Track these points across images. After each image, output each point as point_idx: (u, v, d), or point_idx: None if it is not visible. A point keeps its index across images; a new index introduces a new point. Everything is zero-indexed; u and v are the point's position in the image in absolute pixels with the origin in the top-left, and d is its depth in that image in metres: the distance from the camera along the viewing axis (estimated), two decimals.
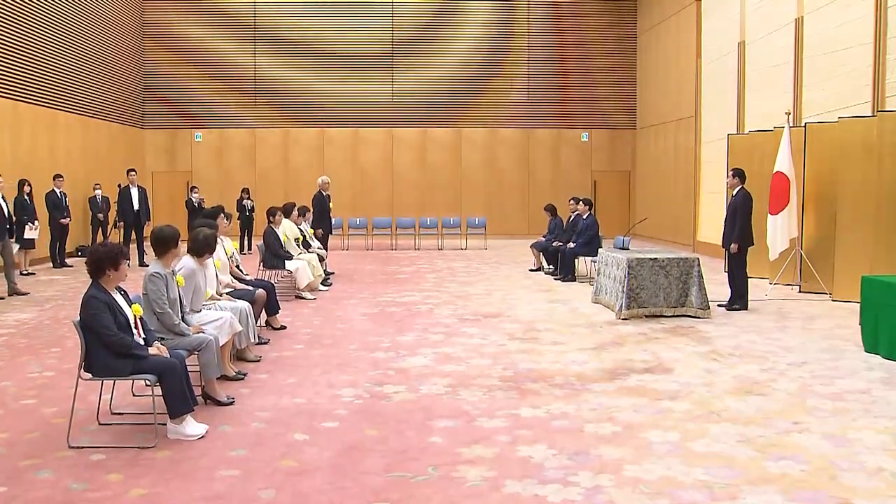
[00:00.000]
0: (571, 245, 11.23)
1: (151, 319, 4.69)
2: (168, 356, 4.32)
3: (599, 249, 9.57)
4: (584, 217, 11.37)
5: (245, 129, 19.38)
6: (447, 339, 7.02)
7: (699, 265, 8.13)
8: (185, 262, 5.42)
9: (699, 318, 7.97)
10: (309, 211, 11.43)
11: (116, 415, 4.70)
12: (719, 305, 8.63)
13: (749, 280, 8.73)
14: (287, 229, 10.03)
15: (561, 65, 19.62)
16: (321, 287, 10.19)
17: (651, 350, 6.52)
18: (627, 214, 19.84)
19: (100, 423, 4.51)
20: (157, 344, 4.40)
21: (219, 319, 5.33)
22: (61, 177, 13.07)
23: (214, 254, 5.88)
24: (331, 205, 12.14)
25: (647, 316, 8.03)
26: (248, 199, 16.06)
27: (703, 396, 5.09)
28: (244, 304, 6.04)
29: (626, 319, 7.93)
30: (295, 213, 10.42)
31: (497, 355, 6.33)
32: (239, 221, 15.55)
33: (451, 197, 19.71)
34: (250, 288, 6.88)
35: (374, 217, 18.21)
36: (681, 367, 5.92)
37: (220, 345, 5.16)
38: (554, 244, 11.87)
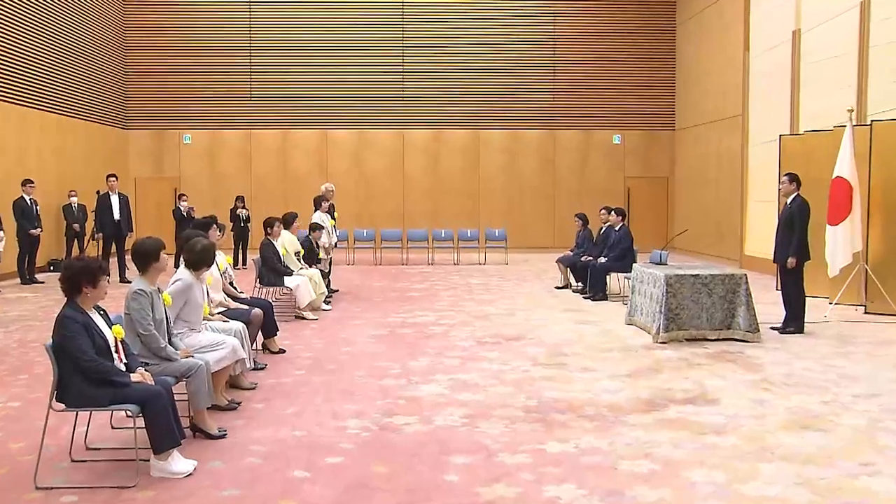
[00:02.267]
0: (602, 260, 11.21)
1: (134, 342, 4.70)
2: (153, 384, 4.34)
3: (633, 265, 9.59)
4: (617, 229, 11.35)
5: (239, 130, 19.57)
6: (464, 364, 7.03)
7: (747, 282, 8.08)
8: (181, 275, 5.46)
9: (747, 342, 7.91)
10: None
11: (92, 450, 4.67)
12: (771, 328, 8.57)
13: (806, 299, 8.65)
14: (286, 242, 10.07)
15: (590, 58, 19.66)
16: (324, 306, 10.23)
17: (693, 378, 6.48)
18: (665, 225, 19.77)
19: (73, 460, 4.48)
20: (140, 370, 4.41)
21: (220, 345, 5.37)
22: (32, 182, 13.16)
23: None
24: (336, 215, 12.18)
25: (688, 339, 7.99)
26: (243, 208, 16.17)
27: (753, 431, 5.03)
28: (239, 326, 6.07)
29: (664, 343, 7.90)
30: (295, 224, 10.48)
31: (520, 383, 6.32)
32: (233, 233, 15.66)
33: (468, 206, 19.76)
34: (245, 307, 6.91)
35: (383, 228, 18.27)
36: (727, 397, 5.87)
37: (215, 371, 5.19)
38: (583, 259, 11.86)
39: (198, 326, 5.47)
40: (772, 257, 8.85)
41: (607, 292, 11.26)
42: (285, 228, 10.15)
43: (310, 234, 10.96)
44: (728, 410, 5.50)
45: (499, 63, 19.60)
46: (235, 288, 7.43)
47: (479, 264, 16.65)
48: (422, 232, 18.11)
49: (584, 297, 11.31)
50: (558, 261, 12.76)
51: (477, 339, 8.23)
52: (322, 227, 11.21)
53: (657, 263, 9.10)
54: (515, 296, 11.64)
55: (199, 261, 5.56)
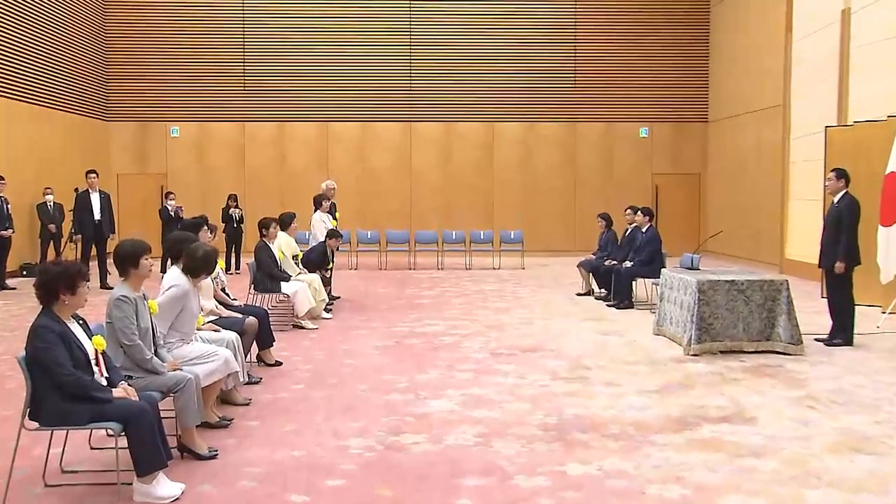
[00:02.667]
0: (628, 264, 11.21)
1: (117, 354, 4.73)
2: (137, 399, 4.36)
3: (662, 269, 9.57)
4: (644, 230, 11.34)
5: (232, 123, 19.64)
6: (477, 378, 7.05)
7: (788, 289, 8.05)
8: (177, 280, 5.50)
9: (789, 354, 7.88)
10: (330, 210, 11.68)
11: (69, 473, 4.67)
12: (815, 339, 8.53)
13: (855, 308, 8.59)
14: (283, 244, 10.09)
15: (614, 44, 19.63)
16: (324, 315, 10.25)
17: (728, 394, 6.47)
18: (697, 226, 19.71)
19: (47, 485, 4.48)
20: (123, 384, 4.43)
21: (212, 356, 5.39)
22: (2, 179, 13.23)
23: None
24: (337, 215, 12.21)
25: (722, 352, 7.97)
26: (237, 207, 16.23)
27: (796, 453, 5.00)
28: (231, 336, 6.09)
29: (696, 356, 7.88)
30: (293, 225, 10.50)
31: (538, 398, 6.34)
32: (225, 235, 15.68)
33: (481, 205, 19.78)
34: (239, 316, 6.92)
35: (388, 230, 18.32)
36: (766, 415, 5.84)
37: (206, 385, 5.22)
38: (606, 263, 11.86)
39: (190, 337, 5.52)
40: (816, 262, 8.80)
41: (633, 300, 11.22)
42: (282, 230, 10.17)
43: (326, 240, 11.01)
44: (768, 430, 5.48)
45: (515, 49, 19.60)
46: (228, 294, 7.44)
47: (494, 269, 16.67)
48: (431, 234, 18.11)
49: (608, 305, 11.31)
50: (579, 265, 12.75)
51: (491, 350, 8.25)
52: (341, 236, 11.29)
53: (688, 268, 9.07)
54: (533, 303, 11.65)
55: (199, 267, 5.61)
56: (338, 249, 11.58)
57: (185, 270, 5.60)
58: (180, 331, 5.44)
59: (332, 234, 11.08)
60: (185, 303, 5.45)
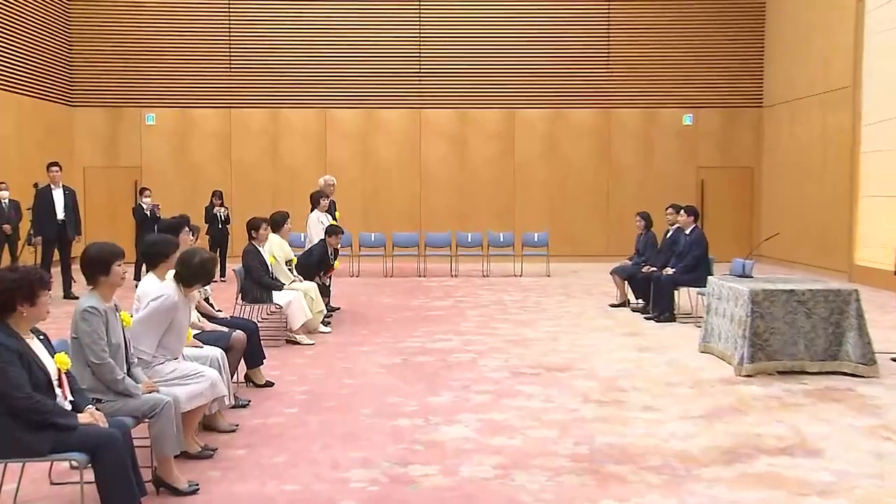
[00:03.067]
0: (669, 271, 11.18)
1: (83, 374, 4.73)
2: (106, 426, 4.34)
3: (709, 277, 9.56)
4: (688, 232, 11.33)
5: (217, 109, 19.74)
6: (496, 401, 7.05)
7: (858, 300, 7.99)
8: (167, 289, 5.51)
9: (860, 376, 7.82)
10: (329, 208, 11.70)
11: None
12: (893, 359, 8.48)
13: None
14: (275, 248, 10.12)
15: (654, 19, 19.62)
16: (322, 328, 10.26)
17: (788, 421, 6.42)
18: (749, 227, 19.66)
19: None
20: (90, 409, 4.43)
21: (196, 377, 5.39)
22: None
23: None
24: (337, 214, 12.22)
25: (780, 372, 7.93)
26: (222, 205, 16.26)
27: (870, 492, 4.97)
28: (216, 353, 6.09)
29: (749, 377, 7.86)
30: (286, 226, 10.51)
31: (566, 425, 6.34)
32: (209, 237, 15.75)
33: (501, 204, 19.80)
34: (224, 329, 6.93)
35: (395, 232, 18.33)
36: (834, 447, 5.80)
37: (187, 410, 5.23)
38: (644, 269, 11.84)
39: (179, 355, 5.55)
40: (893, 268, 8.73)
41: (675, 312, 11.24)
42: (274, 231, 10.21)
43: (326, 238, 11.04)
44: (835, 465, 5.44)
45: (539, 24, 19.61)
46: (212, 305, 7.44)
47: (515, 276, 16.69)
48: (443, 236, 18.13)
49: (647, 318, 11.33)
50: (614, 272, 12.72)
51: (512, 369, 8.26)
52: (342, 232, 11.32)
53: (739, 275, 9.03)
54: (560, 316, 11.67)
55: (194, 277, 5.63)
56: (339, 249, 11.57)
57: (178, 279, 5.61)
58: (168, 348, 5.45)
59: (332, 230, 11.08)
60: (173, 316, 5.44)
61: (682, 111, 19.80)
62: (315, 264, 10.80)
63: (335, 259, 11.29)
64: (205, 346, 6.17)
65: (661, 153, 19.82)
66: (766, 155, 19.56)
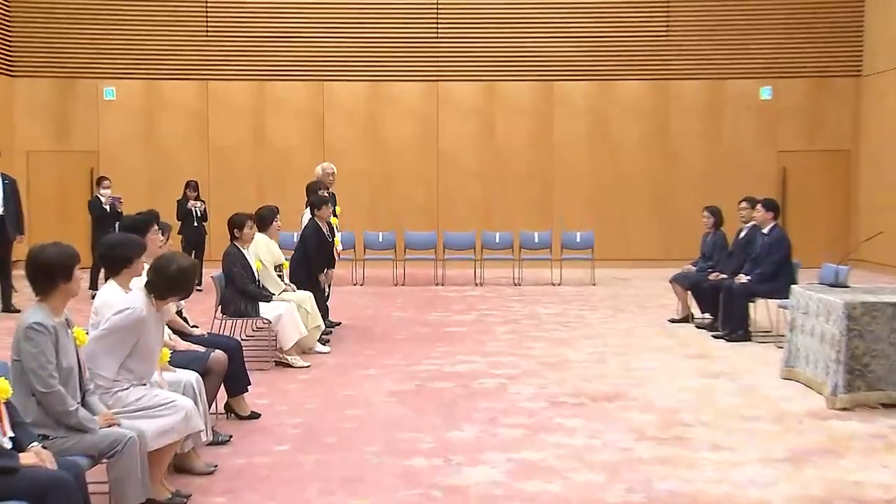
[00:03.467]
0: (743, 278, 11.11)
1: (27, 404, 4.72)
2: (55, 467, 4.32)
3: (793, 286, 9.50)
4: (766, 231, 11.29)
5: (191, 81, 19.74)
6: (531, 437, 7.02)
7: None
8: (134, 301, 5.51)
9: None
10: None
11: None
12: None
13: None
14: (262, 250, 10.12)
15: None
16: (319, 348, 10.26)
17: (895, 466, 6.36)
18: (845, 226, 19.51)
19: None
20: (35, 447, 4.42)
21: (166, 407, 5.37)
22: None
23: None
24: (338, 209, 12.22)
25: (885, 405, 7.86)
26: (198, 199, 16.30)
27: None
28: (190, 377, 6.10)
29: (845, 410, 7.78)
30: (275, 223, 10.51)
31: (616, 467, 6.30)
32: (182, 237, 15.73)
33: (536, 196, 19.77)
34: (200, 349, 6.92)
35: (407, 231, 18.28)
36: None
37: (155, 449, 5.22)
38: (712, 276, 11.78)
39: (148, 379, 5.54)
40: None
41: (750, 329, 11.16)
42: (260, 230, 10.20)
43: (313, 213, 11.00)
44: None
45: None
46: (186, 320, 7.46)
47: (552, 285, 16.67)
48: (466, 236, 18.09)
49: (715, 336, 11.28)
50: (674, 280, 12.69)
51: (550, 398, 8.23)
52: (327, 200, 11.24)
53: (832, 284, 8.99)
54: (608, 333, 11.65)
55: (170, 288, 5.63)
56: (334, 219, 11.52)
57: (151, 288, 5.60)
58: (133, 370, 5.45)
59: (318, 200, 10.92)
60: (141, 333, 5.44)
61: (759, 82, 19.63)
62: (315, 252, 10.77)
63: (333, 237, 11.29)
64: (177, 370, 6.16)
65: (733, 134, 19.66)
66: (864, 135, 19.40)
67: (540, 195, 19.77)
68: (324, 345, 10.42)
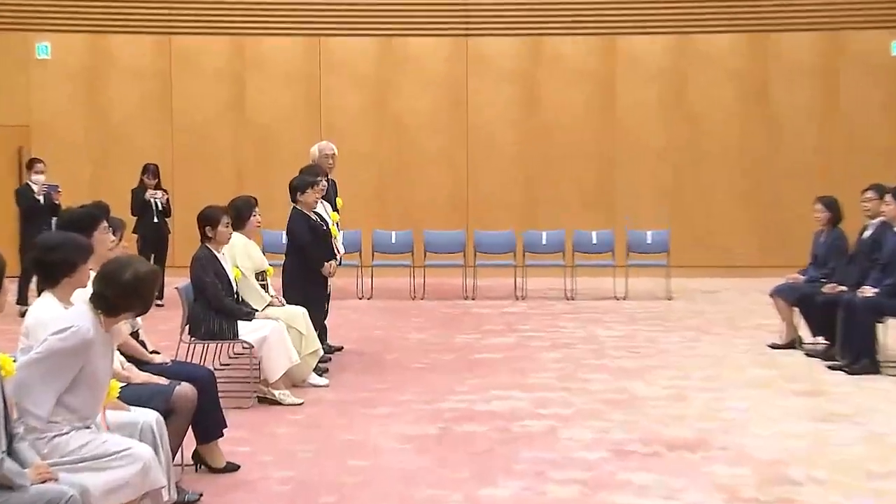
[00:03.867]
0: (868, 291, 11.03)
1: None
2: None
3: None
4: None
5: (148, 36, 19.87)
6: (589, 497, 7.01)
7: None
8: (77, 319, 5.45)
9: None
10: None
11: None
12: None
13: None
14: (240, 254, 10.14)
15: None
16: (314, 380, 10.24)
17: None
18: None
19: None
20: None
21: (118, 456, 5.36)
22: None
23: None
24: (339, 201, 12.22)
25: None
26: (158, 188, 16.36)
27: None
28: (149, 418, 6.06)
29: None
30: (254, 218, 10.47)
31: None
32: (139, 236, 15.84)
33: (594, 185, 19.87)
34: (162, 381, 6.92)
35: (427, 229, 18.35)
36: None
37: None
38: (826, 288, 11.72)
39: (93, 420, 5.52)
40: None
41: (878, 357, 11.09)
42: (236, 228, 10.15)
43: (295, 199, 10.97)
44: None
45: None
46: (144, 343, 7.51)
47: (616, 299, 16.83)
48: (503, 237, 18.11)
49: (831, 367, 11.20)
50: (776, 293, 12.67)
51: (614, 445, 8.22)
52: (319, 178, 11.27)
53: None
54: (688, 361, 11.69)
55: (123, 302, 5.59)
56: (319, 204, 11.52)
57: (97, 303, 5.54)
58: (75, 409, 5.43)
59: (302, 182, 10.96)
60: (85, 361, 5.40)
61: (888, 33, 19.56)
62: (309, 242, 10.80)
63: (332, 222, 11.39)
64: (132, 409, 6.12)
65: (852, 102, 19.57)
66: None
67: (599, 183, 19.79)
68: (320, 376, 10.40)
